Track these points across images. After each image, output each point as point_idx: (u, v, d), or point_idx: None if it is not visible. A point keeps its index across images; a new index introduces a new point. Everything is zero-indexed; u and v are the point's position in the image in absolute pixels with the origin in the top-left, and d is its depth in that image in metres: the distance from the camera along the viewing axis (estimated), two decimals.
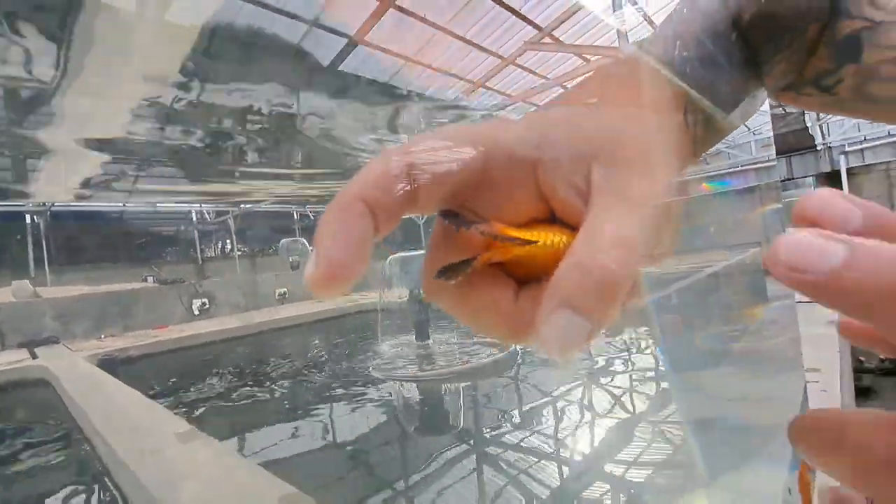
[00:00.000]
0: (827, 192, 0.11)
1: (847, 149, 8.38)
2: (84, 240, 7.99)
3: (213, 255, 11.51)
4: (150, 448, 1.51)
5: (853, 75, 0.23)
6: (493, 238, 0.16)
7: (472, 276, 0.17)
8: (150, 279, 7.47)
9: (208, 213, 10.86)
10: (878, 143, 8.07)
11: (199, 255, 10.47)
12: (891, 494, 0.11)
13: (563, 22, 5.34)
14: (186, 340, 4.52)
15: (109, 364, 3.60)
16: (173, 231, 10.28)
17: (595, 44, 5.72)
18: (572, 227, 0.16)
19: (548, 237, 0.16)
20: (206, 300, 5.96)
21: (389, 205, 0.15)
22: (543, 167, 0.17)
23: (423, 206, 0.16)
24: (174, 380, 3.66)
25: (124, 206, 9.17)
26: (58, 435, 2.40)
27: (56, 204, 7.39)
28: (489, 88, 6.17)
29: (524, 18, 5.15)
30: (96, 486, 1.70)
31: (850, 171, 8.31)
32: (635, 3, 5.10)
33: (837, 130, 8.47)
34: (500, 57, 5.67)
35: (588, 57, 5.92)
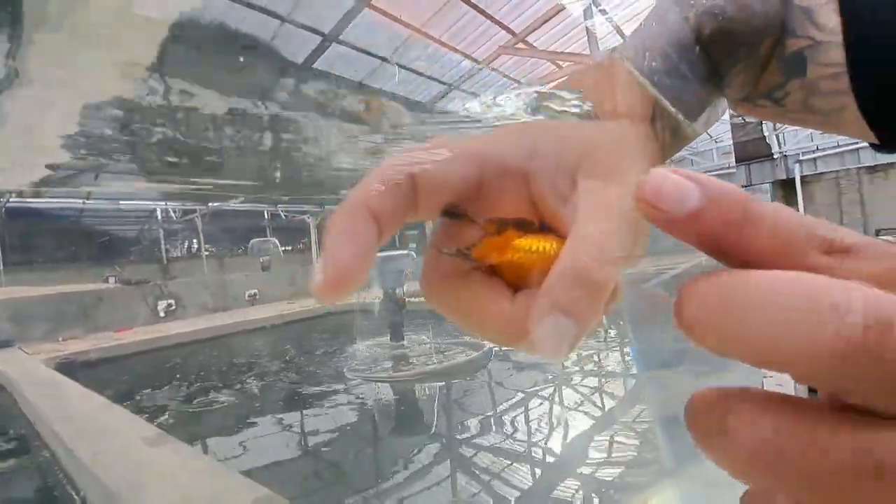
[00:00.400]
0: (663, 170, 0.11)
1: (801, 157, 8.83)
2: (41, 238, 7.59)
3: (180, 255, 11.12)
4: (114, 452, 1.46)
5: (799, 89, 0.26)
6: (491, 231, 0.18)
7: (469, 279, 0.18)
8: (112, 279, 7.17)
9: (174, 212, 10.48)
10: (828, 152, 8.54)
11: (164, 255, 10.10)
12: (780, 487, 0.10)
13: (535, 29, 5.44)
14: (152, 343, 4.36)
15: (69, 367, 3.44)
16: (137, 230, 9.88)
17: (567, 50, 5.84)
18: (560, 234, 0.18)
19: (538, 244, 0.17)
20: (172, 301, 5.76)
21: (392, 212, 0.16)
22: (534, 177, 0.18)
23: (422, 213, 0.17)
24: (138, 383, 3.53)
25: (84, 203, 8.77)
26: (14, 440, 2.28)
27: (11, 200, 7.00)
28: (464, 91, 6.21)
29: (499, 23, 5.22)
30: (56, 494, 1.63)
31: (803, 179, 8.76)
32: (605, 13, 5.24)
33: (792, 140, 8.92)
34: (474, 60, 5.72)
35: (561, 63, 6.04)
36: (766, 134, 8.87)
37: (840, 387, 0.09)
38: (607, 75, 0.23)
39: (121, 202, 9.21)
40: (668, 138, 0.23)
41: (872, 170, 8.30)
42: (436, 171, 0.17)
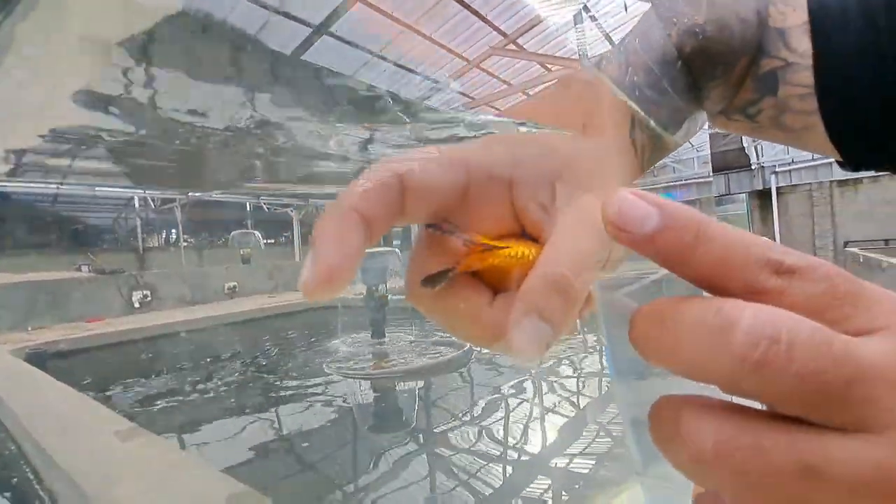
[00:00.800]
0: (625, 193, 0.12)
1: (777, 169, 9.10)
2: (10, 224, 7.32)
3: (157, 245, 10.86)
4: (85, 446, 1.42)
5: (771, 107, 0.27)
6: (472, 246, 0.18)
7: (452, 284, 0.18)
8: (84, 268, 6.95)
9: (153, 200, 10.23)
10: (803, 165, 8.82)
11: (140, 245, 9.85)
12: (722, 487, 0.10)
13: (526, 31, 5.47)
14: (125, 334, 4.25)
15: (38, 358, 3.33)
16: (113, 217, 9.61)
17: (557, 54, 5.89)
18: (541, 242, 0.18)
19: (519, 249, 0.18)
20: (147, 292, 5.62)
21: (381, 216, 0.16)
22: (517, 185, 0.19)
23: (410, 217, 0.18)
24: (111, 376, 3.44)
25: (58, 188, 8.48)
26: None
27: None
28: (458, 91, 6.21)
29: (490, 24, 5.23)
30: (23, 489, 1.58)
31: (779, 190, 9.04)
32: (595, 20, 5.30)
33: (770, 152, 9.18)
34: (465, 59, 5.72)
35: (549, 66, 6.09)
36: (744, 145, 9.10)
37: (752, 397, 0.11)
38: (588, 90, 0.24)
39: (97, 188, 8.93)
40: (649, 149, 0.24)
41: (843, 184, 8.61)
42: (424, 175, 0.18)
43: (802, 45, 0.25)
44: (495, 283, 0.19)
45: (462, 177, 0.19)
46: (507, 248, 0.18)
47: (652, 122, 0.23)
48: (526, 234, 0.19)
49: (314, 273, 0.15)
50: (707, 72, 0.25)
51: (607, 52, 0.25)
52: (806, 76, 0.25)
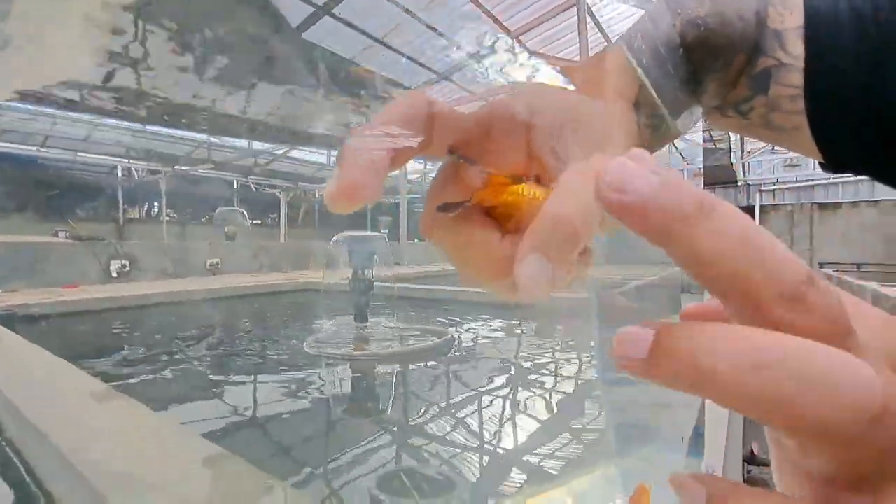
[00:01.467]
0: (622, 157, 0.11)
1: (763, 188, 9.32)
2: None
3: (139, 216, 10.63)
4: (59, 407, 1.41)
5: (762, 105, 0.28)
6: (490, 178, 0.20)
7: (467, 218, 0.20)
8: (62, 234, 6.78)
9: (137, 171, 10.00)
10: (787, 186, 9.05)
11: (121, 215, 9.63)
12: None
13: (530, 29, 5.48)
14: (100, 303, 4.17)
15: (6, 320, 3.25)
16: (94, 185, 9.36)
17: (559, 55, 5.92)
18: (551, 188, 0.19)
19: (531, 190, 0.20)
20: (126, 262, 5.51)
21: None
22: (534, 132, 0.20)
23: (435, 147, 0.19)
24: (86, 343, 3.37)
25: (39, 150, 8.23)
26: None
27: None
28: (453, 82, 6.20)
29: (495, 20, 5.23)
30: None
31: (762, 208, 9.27)
32: (599, 24, 5.34)
33: (756, 170, 9.40)
34: (467, 52, 5.71)
35: (552, 66, 6.12)
36: (733, 161, 9.29)
37: (839, 455, 0.10)
38: (603, 58, 0.25)
39: (79, 153, 8.70)
40: (648, 133, 0.25)
41: (823, 207, 8.86)
42: (452, 109, 0.19)
43: (797, 48, 0.26)
44: (505, 223, 0.20)
45: (486, 115, 0.20)
46: (521, 186, 0.20)
47: (657, 100, 0.24)
48: (539, 180, 0.21)
49: (338, 185, 0.16)
50: (706, 64, 0.26)
51: (619, 38, 0.26)
52: (797, 78, 0.26)
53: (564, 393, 2.43)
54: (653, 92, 0.24)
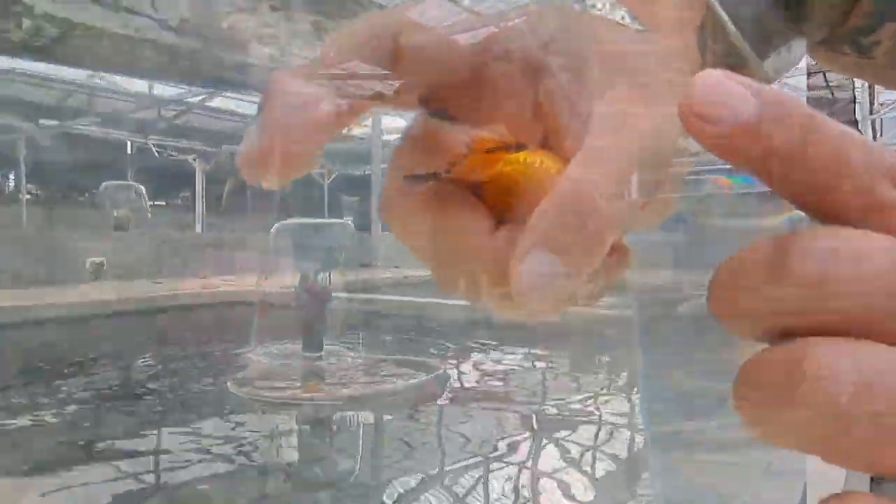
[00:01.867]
0: (715, 74, 0.12)
1: None
2: None
3: None
4: None
5: (890, 38, 0.28)
6: (479, 143, 0.19)
7: (443, 196, 0.19)
8: None
9: None
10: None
11: None
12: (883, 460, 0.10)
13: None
14: None
15: None
16: None
17: None
18: (565, 156, 0.19)
19: (537, 158, 0.19)
20: None
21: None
22: (545, 74, 0.20)
23: (399, 98, 0.19)
24: None
25: None
26: None
27: None
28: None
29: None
30: None
31: None
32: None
33: (891, 130, 9.51)
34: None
35: None
36: (858, 118, 9.43)
37: None
38: None
39: None
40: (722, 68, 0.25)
41: None
42: (430, 37, 0.18)
43: None
44: (501, 207, 0.20)
45: (479, 49, 0.19)
46: (523, 154, 0.19)
47: (733, 29, 0.24)
48: (547, 144, 0.20)
49: (258, 147, 0.16)
50: None
51: None
52: None
53: (612, 458, 2.43)
54: (726, 19, 0.24)
